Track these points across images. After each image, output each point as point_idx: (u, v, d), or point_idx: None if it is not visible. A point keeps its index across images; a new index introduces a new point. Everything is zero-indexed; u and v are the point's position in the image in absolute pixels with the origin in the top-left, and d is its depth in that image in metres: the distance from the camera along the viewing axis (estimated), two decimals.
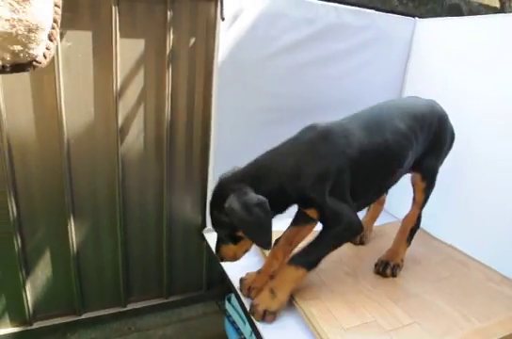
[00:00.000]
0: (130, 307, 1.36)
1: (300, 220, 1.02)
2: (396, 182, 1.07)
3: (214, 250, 0.99)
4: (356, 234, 0.96)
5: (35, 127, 1.07)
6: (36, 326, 1.26)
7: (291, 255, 0.96)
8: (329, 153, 0.89)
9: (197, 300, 1.47)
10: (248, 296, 1.00)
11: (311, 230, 1.04)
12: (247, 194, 0.83)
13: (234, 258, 0.96)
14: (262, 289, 0.97)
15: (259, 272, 1.03)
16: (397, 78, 1.46)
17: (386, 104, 1.06)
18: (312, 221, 1.01)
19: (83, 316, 1.30)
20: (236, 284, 1.04)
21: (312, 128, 0.93)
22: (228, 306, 1.34)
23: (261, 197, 0.83)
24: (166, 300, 1.41)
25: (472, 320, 0.94)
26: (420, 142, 1.03)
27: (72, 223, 1.19)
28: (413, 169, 1.09)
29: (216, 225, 0.92)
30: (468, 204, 1.27)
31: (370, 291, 1.03)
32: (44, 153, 1.10)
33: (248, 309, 0.95)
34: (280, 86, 1.28)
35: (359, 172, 0.92)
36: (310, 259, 0.92)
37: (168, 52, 1.14)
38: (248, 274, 1.05)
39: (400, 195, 1.24)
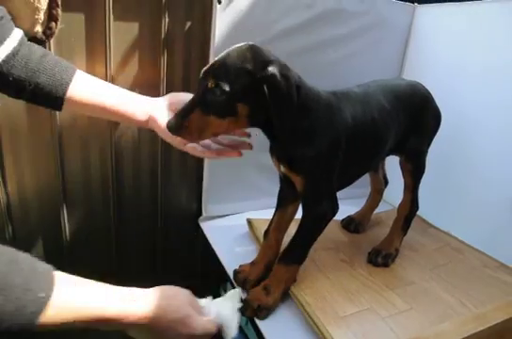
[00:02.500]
0: None
1: (283, 202, 1.00)
2: (377, 164, 1.07)
3: (175, 113, 0.76)
4: (333, 215, 0.91)
5: (25, 112, 1.05)
6: None
7: (280, 255, 0.94)
8: (335, 122, 0.86)
9: (191, 289, 1.46)
10: (243, 288, 0.98)
11: (296, 210, 1.02)
12: (289, 70, 0.77)
13: (198, 136, 0.76)
14: (257, 281, 0.96)
15: (253, 264, 1.02)
16: (395, 64, 1.44)
17: (370, 83, 1.04)
18: (295, 200, 0.99)
19: None
20: (232, 276, 1.03)
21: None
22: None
23: (300, 77, 0.80)
24: None
25: (469, 306, 0.94)
26: (402, 122, 1.01)
27: (65, 210, 1.17)
28: (397, 151, 1.07)
29: (225, 79, 0.71)
30: (464, 191, 1.27)
31: (366, 278, 1.03)
32: (35, 139, 1.08)
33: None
34: None
35: (348, 150, 0.89)
36: (298, 254, 0.92)
37: (163, 36, 1.12)
38: (241, 266, 1.04)
39: (400, 184, 1.24)
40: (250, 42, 0.79)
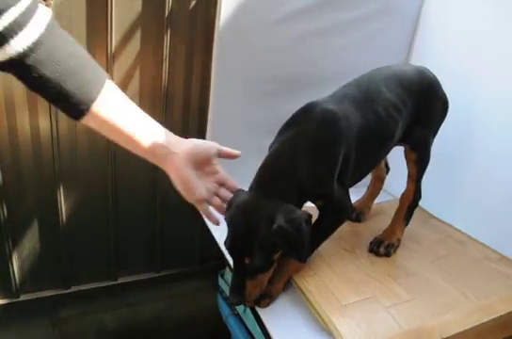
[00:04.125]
0: (120, 281, 1.33)
1: None
2: (387, 154, 1.05)
3: (232, 292, 0.83)
4: (348, 216, 0.96)
5: (22, 91, 1.01)
6: (23, 298, 1.22)
7: None
8: (337, 142, 0.85)
9: (189, 275, 1.45)
10: None
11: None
12: (294, 212, 0.79)
13: (260, 290, 0.85)
14: None
15: None
16: (403, 51, 1.41)
17: (371, 74, 1.00)
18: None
19: (72, 289, 1.27)
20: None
21: (310, 111, 0.87)
22: (221, 282, 1.32)
23: (307, 211, 0.81)
24: (157, 275, 1.38)
25: (471, 298, 0.92)
26: (408, 111, 0.99)
27: (62, 191, 1.14)
28: (402, 140, 1.04)
29: (256, 253, 0.79)
30: (467, 183, 1.25)
31: (369, 268, 1.01)
32: (32, 117, 1.04)
33: None
34: (283, 55, 1.22)
35: (357, 153, 0.89)
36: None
37: (166, 14, 1.08)
38: None
39: (401, 174, 1.22)
40: (238, 203, 0.81)
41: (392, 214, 1.15)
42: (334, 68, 1.31)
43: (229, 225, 0.82)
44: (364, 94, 0.93)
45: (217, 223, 0.87)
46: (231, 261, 1.01)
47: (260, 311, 0.88)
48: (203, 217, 0.95)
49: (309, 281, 0.92)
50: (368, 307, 0.86)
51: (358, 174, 0.97)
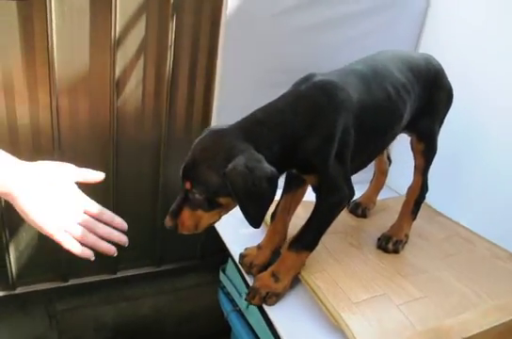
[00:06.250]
0: (120, 275, 1.30)
1: (292, 185, 0.94)
2: (390, 142, 1.01)
3: (168, 215, 0.77)
4: (348, 201, 0.89)
5: (23, 75, 0.97)
6: (20, 291, 1.19)
7: (289, 240, 0.89)
8: (335, 111, 0.80)
9: (190, 270, 1.42)
10: (249, 272, 0.94)
11: (304, 191, 0.97)
12: (260, 162, 0.71)
13: (195, 229, 0.79)
14: (263, 266, 0.92)
15: (259, 247, 0.97)
16: (411, 43, 1.37)
17: (379, 54, 0.98)
18: (304, 183, 0.94)
19: (70, 283, 1.24)
20: (237, 259, 0.99)
21: (309, 79, 0.83)
22: (222, 277, 1.29)
23: (274, 169, 0.72)
24: (157, 269, 1.35)
25: (484, 297, 0.90)
26: (415, 98, 0.96)
27: None
28: (408, 129, 1.01)
29: (197, 181, 0.73)
30: (474, 180, 1.23)
31: (377, 264, 0.99)
32: (32, 105, 1.01)
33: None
34: (291, 45, 1.19)
35: (359, 131, 0.84)
36: (310, 241, 0.87)
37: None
38: (247, 249, 0.99)
39: (404, 170, 1.19)
40: (213, 128, 0.78)
41: (398, 209, 1.13)
42: (343, 60, 1.27)
43: (192, 147, 0.77)
44: (373, 70, 0.90)
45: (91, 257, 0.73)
46: (235, 257, 1.00)
47: (267, 309, 0.85)
48: None
49: (317, 277, 0.89)
50: (379, 304, 0.84)
51: (361, 157, 0.92)
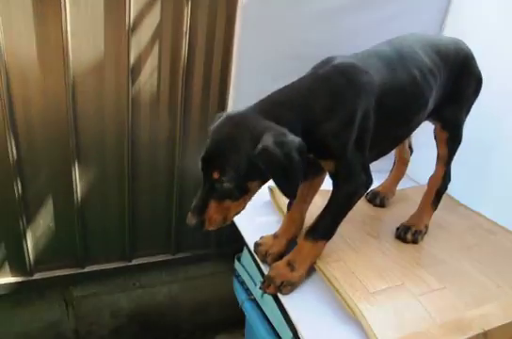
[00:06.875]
0: (135, 262, 1.30)
1: (309, 174, 0.91)
2: (414, 130, 0.97)
3: (191, 212, 0.73)
4: (366, 189, 0.86)
5: (37, 63, 0.97)
6: (37, 277, 1.20)
7: (306, 229, 0.87)
8: (354, 92, 0.78)
9: (205, 258, 1.42)
10: (264, 261, 0.93)
11: (322, 180, 0.95)
12: (285, 135, 0.69)
13: (224, 222, 0.76)
14: (279, 255, 0.90)
15: (275, 236, 0.95)
16: (434, 30, 1.33)
17: (405, 36, 0.94)
18: (321, 171, 0.91)
19: (86, 269, 1.25)
20: (252, 247, 0.97)
21: (328, 62, 0.81)
22: (237, 265, 1.29)
23: (299, 139, 0.71)
24: (172, 257, 1.35)
25: (506, 289, 0.88)
26: (442, 84, 0.92)
27: (77, 169, 1.10)
28: (433, 117, 0.98)
29: (226, 169, 0.70)
30: (498, 171, 1.19)
31: (395, 255, 0.97)
32: (47, 92, 1.00)
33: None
34: (309, 32, 1.16)
35: (380, 116, 0.81)
36: (326, 229, 0.85)
37: None
38: (262, 238, 0.97)
39: (425, 160, 1.16)
40: (229, 113, 0.75)
41: (418, 200, 1.10)
42: (363, 46, 1.24)
43: (210, 135, 0.73)
44: (398, 53, 0.87)
45: None
46: (251, 246, 0.98)
47: (282, 298, 0.84)
48: None
49: (334, 266, 0.87)
50: (397, 295, 0.82)
51: (382, 144, 0.89)
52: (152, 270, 1.36)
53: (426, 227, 1.06)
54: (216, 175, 0.70)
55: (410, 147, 1.19)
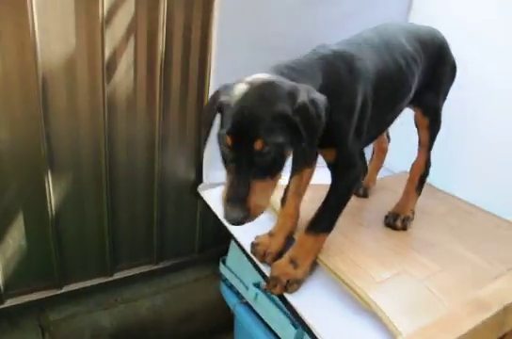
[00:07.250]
0: (117, 276, 1.22)
1: (300, 164, 0.90)
2: (398, 116, 0.99)
3: (230, 201, 0.62)
4: (364, 176, 0.88)
5: (0, 62, 0.87)
6: (8, 304, 1.09)
7: (307, 224, 0.86)
8: (354, 78, 0.78)
9: (189, 265, 1.36)
10: (263, 261, 0.90)
11: (312, 172, 0.94)
12: (314, 92, 0.66)
13: (263, 207, 0.65)
14: (278, 253, 0.88)
15: (271, 235, 0.93)
16: (402, 17, 1.38)
17: (387, 25, 0.97)
18: (313, 163, 0.91)
19: (63, 290, 1.15)
20: (248, 249, 0.94)
21: (324, 48, 0.80)
22: (223, 269, 1.25)
23: (326, 97, 0.68)
24: (156, 267, 1.29)
25: (495, 264, 0.92)
26: (422, 71, 0.96)
27: (50, 178, 1.01)
28: (413, 103, 1.01)
29: (270, 135, 0.61)
30: (471, 153, 1.25)
31: (388, 242, 0.99)
32: (14, 93, 0.91)
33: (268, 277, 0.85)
34: (283, 23, 1.15)
35: (375, 103, 0.83)
36: (328, 222, 0.85)
37: None
38: (258, 237, 0.95)
39: (398, 148, 1.19)
40: (245, 79, 0.66)
41: (397, 187, 1.13)
42: (334, 37, 1.25)
43: (233, 106, 0.63)
44: (385, 42, 0.89)
45: None
46: (245, 245, 0.95)
47: (289, 297, 0.81)
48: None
49: (337, 259, 0.87)
50: (403, 281, 0.83)
51: (373, 131, 0.90)
52: (134, 283, 1.28)
53: (413, 212, 1.09)
54: (258, 145, 0.61)
55: (388, 136, 1.22)
